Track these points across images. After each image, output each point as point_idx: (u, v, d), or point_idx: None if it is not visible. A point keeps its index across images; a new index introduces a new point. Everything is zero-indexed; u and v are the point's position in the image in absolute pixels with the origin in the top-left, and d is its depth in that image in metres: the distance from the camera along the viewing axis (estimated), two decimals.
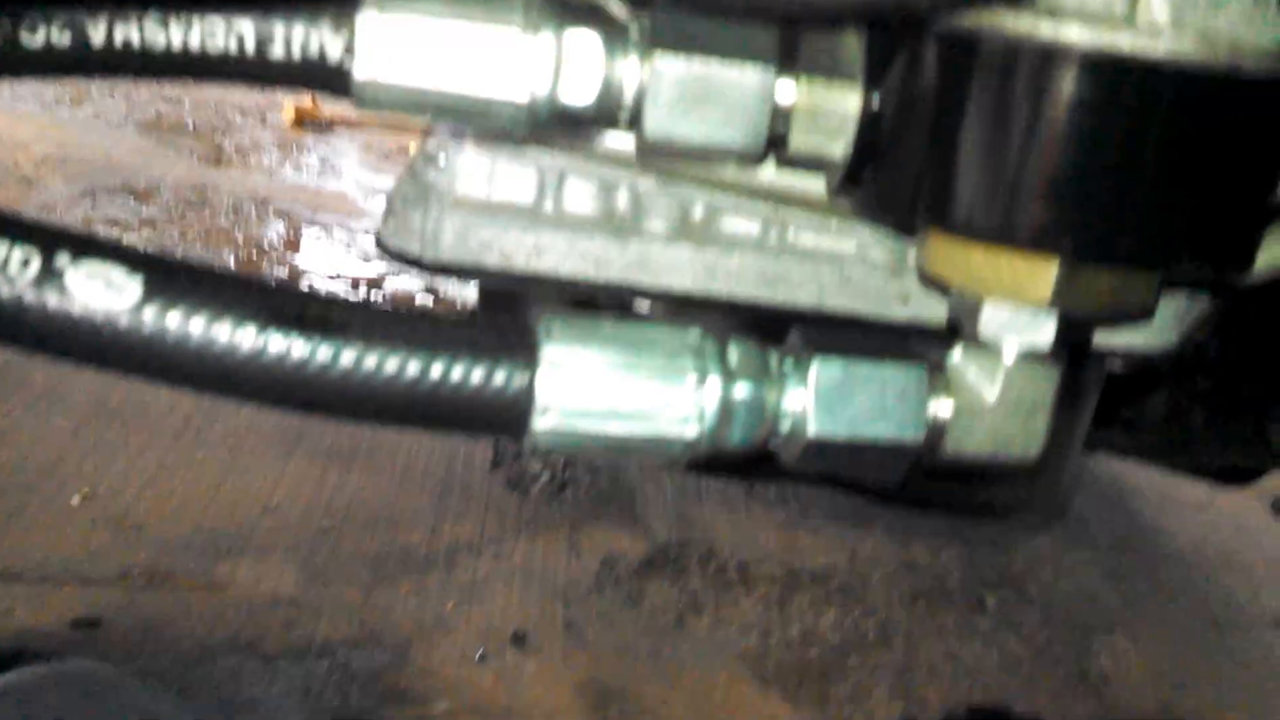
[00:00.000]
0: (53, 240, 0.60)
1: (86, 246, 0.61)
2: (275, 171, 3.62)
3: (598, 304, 0.97)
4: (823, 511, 2.52)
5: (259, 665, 1.81)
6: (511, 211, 0.91)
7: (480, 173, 0.90)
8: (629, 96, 0.72)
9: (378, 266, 3.16)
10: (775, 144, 0.76)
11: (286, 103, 3.81)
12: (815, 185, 0.91)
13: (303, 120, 3.79)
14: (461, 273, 0.90)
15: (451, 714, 1.82)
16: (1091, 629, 2.34)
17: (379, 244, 0.93)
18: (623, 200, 0.93)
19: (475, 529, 2.22)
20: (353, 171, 3.75)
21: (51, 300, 0.59)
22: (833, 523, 2.50)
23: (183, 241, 3.01)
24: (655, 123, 0.72)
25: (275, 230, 3.23)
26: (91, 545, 1.95)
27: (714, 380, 0.71)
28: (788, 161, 0.78)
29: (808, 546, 2.40)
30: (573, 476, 2.41)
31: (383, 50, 0.68)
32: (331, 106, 3.89)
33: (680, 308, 0.94)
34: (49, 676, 1.59)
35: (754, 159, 0.76)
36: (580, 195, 0.92)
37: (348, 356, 0.64)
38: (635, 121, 0.73)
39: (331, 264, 3.13)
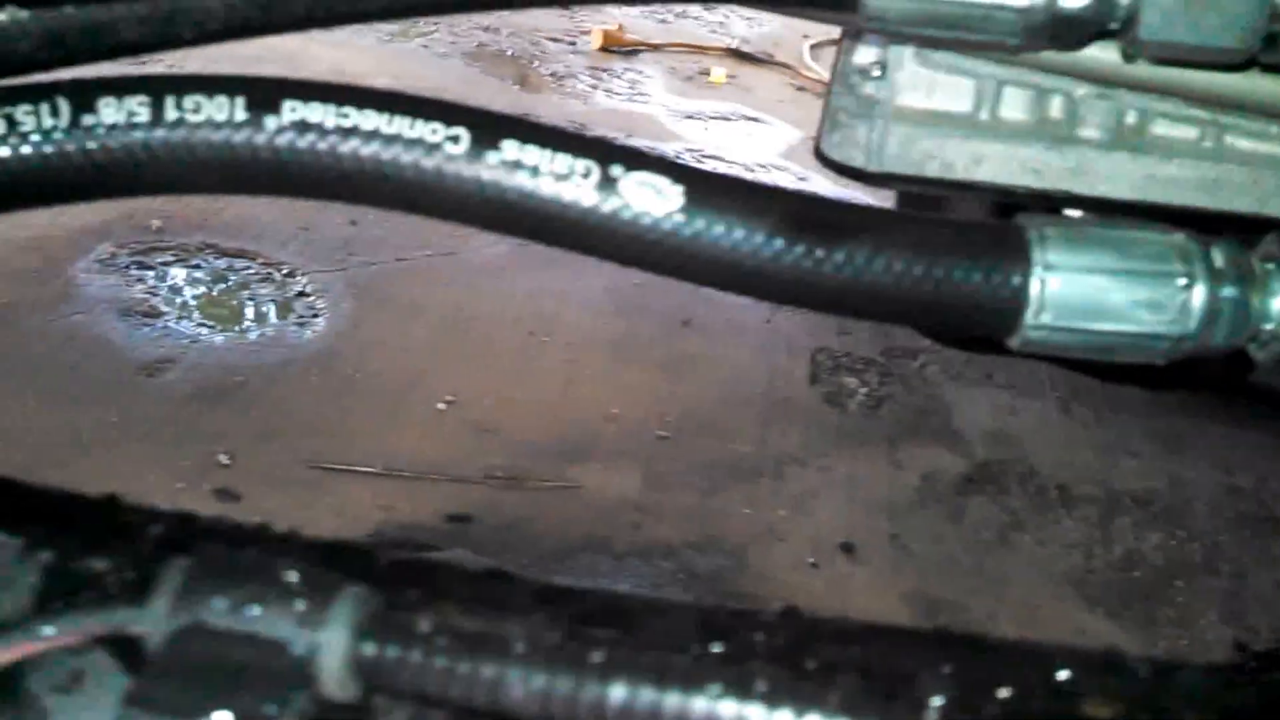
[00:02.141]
0: (607, 152, 0.64)
1: (636, 158, 0.64)
2: (588, 96, 3.69)
3: (1021, 210, 0.95)
4: (1140, 434, 2.44)
5: (611, 563, 1.89)
6: (951, 121, 0.90)
7: (921, 85, 0.90)
8: None
9: None
10: (1268, 45, 0.72)
11: (594, 28, 3.87)
12: (1254, 88, 0.87)
13: (609, 45, 3.85)
14: (902, 182, 0.90)
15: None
16: None
17: (820, 156, 0.94)
18: (1057, 108, 0.91)
19: (799, 441, 2.24)
20: (659, 95, 3.78)
21: (609, 205, 0.63)
22: (1151, 446, 2.41)
23: None
24: (1151, 26, 0.70)
25: None
26: (457, 447, 2.07)
27: (1201, 281, 0.69)
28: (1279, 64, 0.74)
29: (1128, 469, 2.32)
30: (889, 393, 2.41)
31: None
32: (635, 31, 3.94)
33: (1115, 215, 0.92)
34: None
35: (1243, 61, 0.73)
36: (1016, 104, 0.90)
37: (861, 258, 0.65)
38: (1128, 26, 0.71)
39: None
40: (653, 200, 0.63)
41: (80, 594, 0.49)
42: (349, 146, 0.61)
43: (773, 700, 0.46)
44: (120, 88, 0.60)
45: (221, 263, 2.45)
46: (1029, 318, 0.68)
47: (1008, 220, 0.69)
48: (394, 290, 2.45)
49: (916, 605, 1.93)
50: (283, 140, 0.61)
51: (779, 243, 0.64)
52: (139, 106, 0.60)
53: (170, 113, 0.60)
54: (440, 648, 0.46)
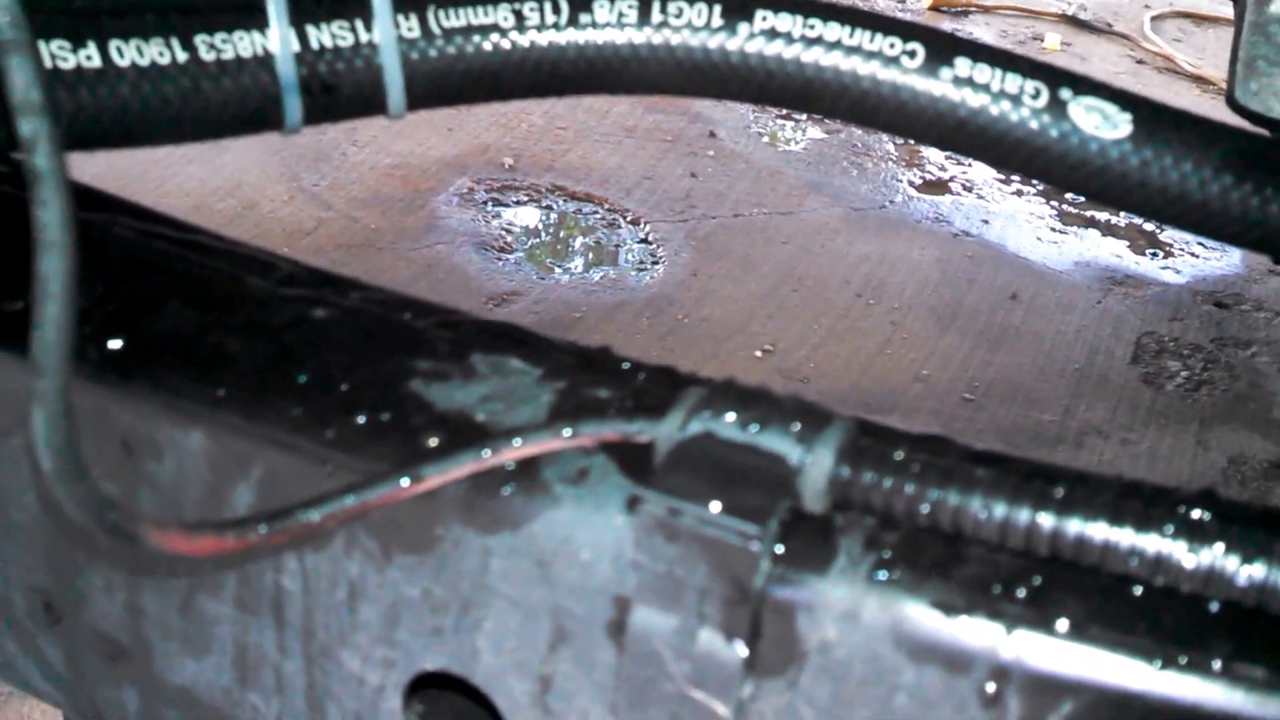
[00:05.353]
0: (1056, 75, 0.63)
1: (1084, 83, 0.63)
2: None
3: None
4: None
5: None
6: None
7: None
8: None
9: None
10: None
11: None
12: None
13: (939, 5, 3.70)
14: None
15: None
16: None
17: (1233, 104, 0.90)
18: None
19: (1106, 416, 2.14)
20: None
21: (1055, 128, 0.62)
22: None
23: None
24: None
25: None
26: None
27: None
28: None
29: None
30: (1210, 378, 2.26)
31: None
32: None
33: None
34: None
35: None
36: None
37: None
38: None
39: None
40: (1100, 126, 0.62)
41: (586, 412, 0.53)
42: (813, 55, 0.62)
43: (1232, 545, 0.45)
44: None
45: (570, 206, 2.54)
46: None
47: None
48: (731, 244, 2.47)
49: None
50: (753, 46, 0.62)
51: (1227, 178, 0.62)
52: (628, 9, 0.62)
53: (655, 15, 0.62)
54: (912, 474, 0.48)
